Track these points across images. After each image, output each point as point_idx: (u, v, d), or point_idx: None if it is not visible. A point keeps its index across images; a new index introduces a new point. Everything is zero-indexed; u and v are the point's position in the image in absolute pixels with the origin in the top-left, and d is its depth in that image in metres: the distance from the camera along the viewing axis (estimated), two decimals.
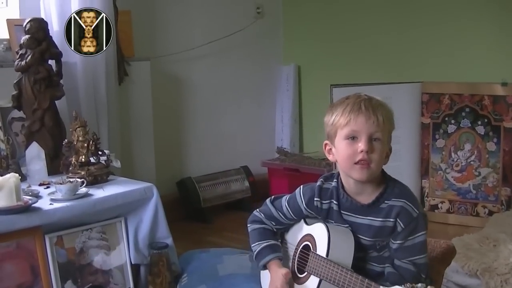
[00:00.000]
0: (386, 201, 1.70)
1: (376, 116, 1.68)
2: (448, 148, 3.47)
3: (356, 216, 1.74)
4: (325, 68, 4.05)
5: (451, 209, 3.46)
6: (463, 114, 3.42)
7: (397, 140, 3.48)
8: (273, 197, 1.96)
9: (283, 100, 4.21)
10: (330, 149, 1.77)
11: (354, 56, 3.91)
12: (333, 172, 1.84)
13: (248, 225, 1.97)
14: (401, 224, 1.67)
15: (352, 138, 1.68)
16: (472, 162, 3.41)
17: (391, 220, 1.68)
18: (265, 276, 1.97)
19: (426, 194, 3.51)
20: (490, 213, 3.32)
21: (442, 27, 3.55)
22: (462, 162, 3.43)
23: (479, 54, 3.44)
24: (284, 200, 1.90)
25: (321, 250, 1.73)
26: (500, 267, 2.43)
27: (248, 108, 4.09)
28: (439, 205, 3.49)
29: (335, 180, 1.80)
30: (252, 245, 1.92)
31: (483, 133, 3.37)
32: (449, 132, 3.47)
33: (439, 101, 3.48)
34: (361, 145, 1.66)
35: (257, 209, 1.96)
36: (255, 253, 1.90)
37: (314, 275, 1.72)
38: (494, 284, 2.39)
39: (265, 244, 1.89)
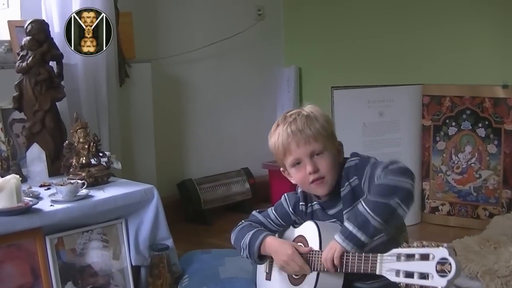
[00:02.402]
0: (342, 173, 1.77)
1: (305, 135, 1.74)
2: (448, 150, 3.47)
3: (335, 207, 1.79)
4: (326, 70, 4.05)
5: (452, 211, 3.46)
6: (464, 116, 3.42)
7: (397, 142, 3.51)
8: (258, 210, 2.02)
9: (284, 102, 4.21)
10: (288, 173, 1.84)
11: (355, 58, 3.91)
12: None
13: (232, 233, 1.96)
14: (355, 177, 1.73)
15: (297, 163, 1.76)
16: (472, 165, 3.40)
17: (345, 186, 1.74)
18: (260, 284, 1.96)
19: (426, 196, 3.51)
20: (491, 215, 3.31)
21: (443, 29, 3.55)
22: (462, 164, 3.43)
23: (480, 56, 3.44)
24: (270, 209, 1.96)
25: (314, 245, 1.74)
26: (500, 270, 2.43)
27: (248, 109, 4.09)
28: (440, 207, 3.49)
29: None
30: (242, 242, 1.88)
31: (483, 136, 3.37)
32: (449, 134, 3.47)
33: (440, 103, 3.48)
34: (307, 167, 1.74)
35: (242, 220, 2.00)
36: (246, 245, 1.85)
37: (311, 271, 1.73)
38: (495, 287, 2.39)
39: (255, 230, 1.88)
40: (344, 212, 1.74)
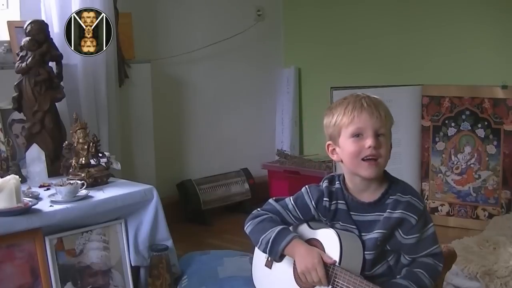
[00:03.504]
0: (391, 197, 1.72)
1: (378, 112, 1.71)
2: (448, 151, 3.47)
3: (363, 214, 1.75)
4: (325, 71, 4.05)
5: (451, 212, 3.46)
6: (463, 117, 3.42)
7: (397, 142, 3.50)
8: (275, 198, 1.92)
9: (283, 102, 4.22)
10: (334, 149, 1.77)
11: (355, 59, 3.91)
12: (333, 174, 1.85)
13: (248, 223, 1.86)
14: (414, 217, 1.69)
15: (358, 135, 1.70)
16: (472, 165, 3.41)
17: (397, 212, 1.69)
18: (257, 276, 1.94)
19: (426, 196, 3.51)
20: (490, 216, 3.31)
21: (442, 29, 3.56)
22: (462, 165, 3.43)
23: (480, 57, 3.44)
24: (289, 199, 1.87)
25: (331, 256, 1.71)
26: (500, 270, 2.43)
27: (248, 110, 4.09)
28: (439, 208, 3.49)
29: (337, 182, 1.81)
30: (262, 236, 1.78)
31: (483, 136, 3.37)
32: (449, 135, 3.47)
33: (439, 104, 3.49)
34: (369, 141, 1.68)
35: (258, 209, 1.90)
36: (270, 240, 1.76)
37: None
38: (494, 287, 2.39)
39: (281, 227, 1.79)
40: (378, 230, 1.70)
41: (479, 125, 3.38)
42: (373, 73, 3.79)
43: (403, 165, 3.47)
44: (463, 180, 3.43)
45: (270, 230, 1.78)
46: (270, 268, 1.87)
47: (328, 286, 1.68)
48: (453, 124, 3.45)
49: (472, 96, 3.39)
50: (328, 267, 1.69)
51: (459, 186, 3.44)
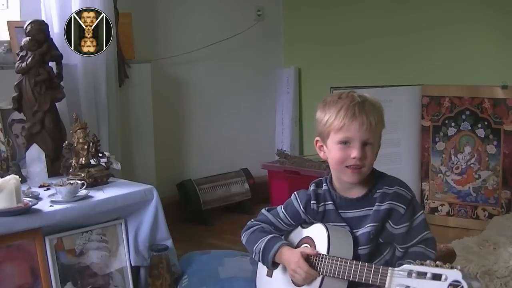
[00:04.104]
0: (378, 190, 1.74)
1: (369, 121, 1.71)
2: (448, 151, 3.47)
3: (352, 211, 1.77)
4: (325, 71, 4.05)
5: (451, 212, 3.46)
6: (463, 117, 3.42)
7: (397, 142, 3.51)
8: (267, 208, 1.97)
9: (283, 102, 4.22)
10: (322, 146, 1.80)
11: (355, 59, 3.91)
12: (321, 178, 1.88)
13: (243, 235, 1.93)
14: (402, 206, 1.71)
15: (345, 143, 1.71)
16: (472, 165, 3.41)
17: (385, 203, 1.71)
18: (261, 279, 1.96)
19: (426, 197, 3.51)
20: (490, 216, 3.32)
21: (442, 30, 3.56)
22: (462, 165, 3.43)
23: (480, 57, 3.44)
24: (280, 208, 1.92)
25: (321, 248, 1.73)
26: (500, 270, 2.43)
27: (248, 110, 4.09)
28: (439, 208, 3.49)
29: (324, 184, 1.85)
30: (255, 247, 1.85)
31: (483, 136, 3.37)
32: (449, 135, 3.47)
33: (439, 104, 3.49)
34: (354, 152, 1.70)
35: (251, 220, 1.96)
36: (260, 250, 1.83)
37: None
38: (494, 287, 2.39)
39: (270, 236, 1.84)
40: (369, 224, 1.72)
41: (479, 125, 3.38)
42: (373, 73, 3.79)
43: (403, 165, 3.47)
44: (463, 180, 3.44)
45: (261, 240, 1.84)
46: (271, 277, 1.92)
47: (318, 276, 1.70)
48: (453, 124, 3.45)
49: (472, 96, 3.39)
50: (313, 259, 1.71)
51: (459, 186, 3.44)
